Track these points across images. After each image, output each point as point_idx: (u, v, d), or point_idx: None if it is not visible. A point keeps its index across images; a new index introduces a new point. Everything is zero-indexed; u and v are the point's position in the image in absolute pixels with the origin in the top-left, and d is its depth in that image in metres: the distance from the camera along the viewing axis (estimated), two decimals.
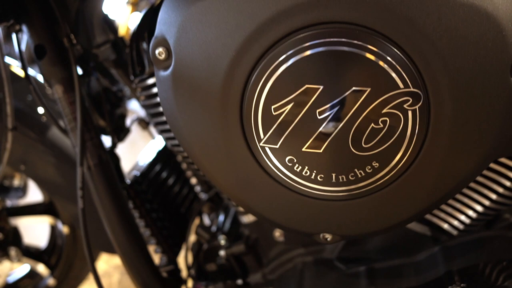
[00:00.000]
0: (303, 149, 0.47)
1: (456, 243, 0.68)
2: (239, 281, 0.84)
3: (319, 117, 0.45)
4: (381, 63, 0.43)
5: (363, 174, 0.47)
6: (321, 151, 0.46)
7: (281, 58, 0.44)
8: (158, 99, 0.67)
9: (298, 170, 0.48)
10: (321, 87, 0.44)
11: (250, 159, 0.50)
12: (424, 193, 0.50)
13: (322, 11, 0.42)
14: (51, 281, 1.20)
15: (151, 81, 0.68)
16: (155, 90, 0.67)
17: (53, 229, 1.23)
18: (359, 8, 0.42)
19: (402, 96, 0.43)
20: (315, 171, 0.48)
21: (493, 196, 0.62)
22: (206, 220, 1.00)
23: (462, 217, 0.66)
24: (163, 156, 0.93)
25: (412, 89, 0.43)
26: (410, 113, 0.44)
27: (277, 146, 0.47)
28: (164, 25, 0.49)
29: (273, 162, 0.49)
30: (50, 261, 1.22)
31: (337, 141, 0.46)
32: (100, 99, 0.79)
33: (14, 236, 1.13)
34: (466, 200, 0.65)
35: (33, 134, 0.94)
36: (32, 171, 0.98)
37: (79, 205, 0.71)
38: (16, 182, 1.20)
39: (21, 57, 0.74)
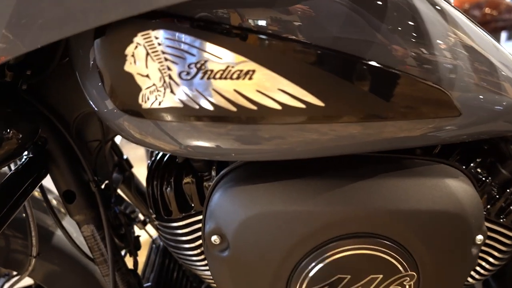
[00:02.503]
0: None
1: None
2: None
3: None
4: (388, 257, 0.61)
5: None
6: None
7: (319, 259, 0.60)
8: (181, 238, 0.78)
9: None
10: (349, 276, 0.61)
11: None
12: None
13: (341, 228, 0.60)
14: None
15: (175, 224, 0.79)
16: (179, 231, 0.79)
17: None
18: (367, 222, 0.59)
19: (402, 277, 0.62)
20: None
21: None
22: None
23: None
24: (165, 253, 1.05)
25: (409, 272, 0.62)
26: (407, 286, 0.63)
27: None
28: (220, 219, 0.62)
29: None
30: None
31: None
32: (121, 224, 0.89)
33: None
34: None
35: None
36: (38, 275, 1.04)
37: None
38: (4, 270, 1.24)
39: (52, 211, 0.82)
